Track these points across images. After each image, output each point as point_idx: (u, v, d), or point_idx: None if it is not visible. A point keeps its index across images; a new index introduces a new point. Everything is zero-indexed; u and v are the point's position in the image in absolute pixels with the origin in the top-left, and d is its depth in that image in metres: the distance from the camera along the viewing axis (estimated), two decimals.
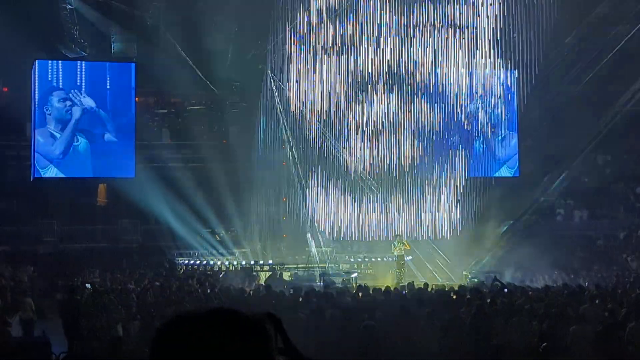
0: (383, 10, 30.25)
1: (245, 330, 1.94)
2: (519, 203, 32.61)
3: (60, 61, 32.00)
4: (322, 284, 25.68)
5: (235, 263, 30.99)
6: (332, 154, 30.73)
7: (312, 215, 30.65)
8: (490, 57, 30.98)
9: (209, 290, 21.38)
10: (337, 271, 29.16)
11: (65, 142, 31.30)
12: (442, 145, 31.35)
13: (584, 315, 13.79)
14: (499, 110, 32.08)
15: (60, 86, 31.51)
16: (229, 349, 1.89)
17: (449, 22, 30.66)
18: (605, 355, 12.17)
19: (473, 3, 30.71)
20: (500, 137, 32.49)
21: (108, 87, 32.30)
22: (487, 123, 31.94)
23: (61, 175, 31.32)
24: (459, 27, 30.71)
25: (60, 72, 31.76)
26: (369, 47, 30.35)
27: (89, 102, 31.68)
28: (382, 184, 30.93)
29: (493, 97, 31.74)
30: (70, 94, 31.49)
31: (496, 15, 30.77)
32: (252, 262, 30.68)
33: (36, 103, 31.37)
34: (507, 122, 32.55)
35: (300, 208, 30.77)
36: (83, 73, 32.04)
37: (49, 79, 31.54)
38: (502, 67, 31.33)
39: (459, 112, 31.34)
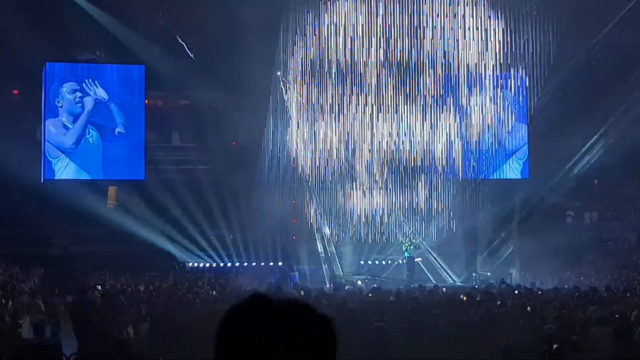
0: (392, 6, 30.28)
1: (319, 330, 1.92)
2: (529, 204, 32.52)
3: (70, 63, 32.11)
4: (332, 286, 25.68)
5: (245, 264, 31.03)
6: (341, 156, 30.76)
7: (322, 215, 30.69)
8: (500, 59, 30.94)
9: (214, 292, 21.38)
10: (347, 274, 29.14)
11: (77, 133, 31.50)
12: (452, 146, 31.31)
13: (596, 317, 13.71)
14: (509, 109, 32.01)
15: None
16: (301, 343, 1.87)
17: (459, 24, 30.63)
18: (617, 357, 12.11)
19: (483, 4, 30.69)
20: (509, 128, 32.37)
21: (118, 89, 32.40)
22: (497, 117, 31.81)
23: (73, 165, 31.48)
24: (469, 29, 30.69)
25: (71, 75, 31.87)
26: (379, 50, 30.38)
27: (101, 93, 31.83)
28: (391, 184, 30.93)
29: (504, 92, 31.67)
30: (83, 84, 31.67)
31: (506, 17, 30.73)
32: (262, 264, 30.70)
33: (46, 101, 31.55)
34: (516, 115, 32.46)
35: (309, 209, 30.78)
36: (93, 75, 32.14)
37: (59, 80, 31.70)
38: (512, 68, 31.26)
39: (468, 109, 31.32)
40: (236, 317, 1.91)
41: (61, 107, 31.48)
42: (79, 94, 31.65)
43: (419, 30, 30.49)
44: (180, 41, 31.37)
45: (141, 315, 17.03)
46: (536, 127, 32.79)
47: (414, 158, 30.89)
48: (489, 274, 28.99)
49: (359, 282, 27.49)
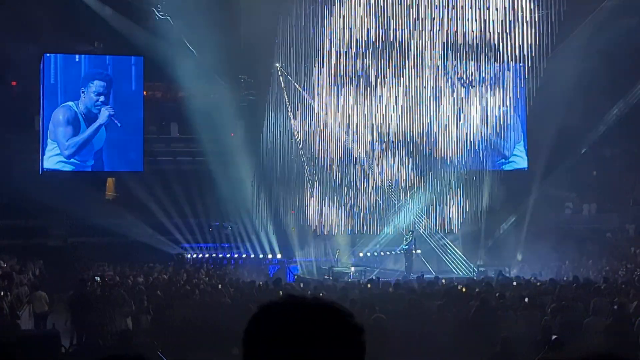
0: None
1: (347, 332, 1.93)
2: (527, 196, 32.52)
3: (68, 55, 32.06)
4: (331, 277, 25.69)
5: (244, 256, 31.03)
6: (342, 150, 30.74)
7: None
8: (499, 50, 30.89)
9: (218, 285, 21.38)
10: (346, 265, 29.14)
11: (76, 145, 31.67)
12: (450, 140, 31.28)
13: (594, 308, 13.74)
14: (508, 104, 31.99)
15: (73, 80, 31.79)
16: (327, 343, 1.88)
17: (457, 17, 30.59)
18: (616, 348, 12.14)
19: None
20: (507, 119, 32.36)
21: (116, 80, 32.35)
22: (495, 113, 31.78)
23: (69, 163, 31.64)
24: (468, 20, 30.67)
25: (69, 66, 31.83)
26: (378, 41, 30.32)
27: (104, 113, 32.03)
28: (393, 180, 30.91)
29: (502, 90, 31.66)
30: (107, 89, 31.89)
31: (505, 8, 30.68)
32: (261, 255, 30.69)
33: (44, 92, 31.55)
34: (514, 107, 32.42)
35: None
36: (91, 67, 32.11)
37: (58, 72, 31.66)
38: (511, 60, 31.20)
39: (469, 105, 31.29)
40: (266, 318, 1.91)
41: (84, 97, 31.65)
42: (102, 98, 31.83)
43: (417, 21, 30.43)
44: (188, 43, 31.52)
45: (141, 306, 17.06)
46: (535, 119, 32.72)
47: (416, 148, 30.87)
48: (487, 265, 28.99)
49: (356, 272, 27.51)
